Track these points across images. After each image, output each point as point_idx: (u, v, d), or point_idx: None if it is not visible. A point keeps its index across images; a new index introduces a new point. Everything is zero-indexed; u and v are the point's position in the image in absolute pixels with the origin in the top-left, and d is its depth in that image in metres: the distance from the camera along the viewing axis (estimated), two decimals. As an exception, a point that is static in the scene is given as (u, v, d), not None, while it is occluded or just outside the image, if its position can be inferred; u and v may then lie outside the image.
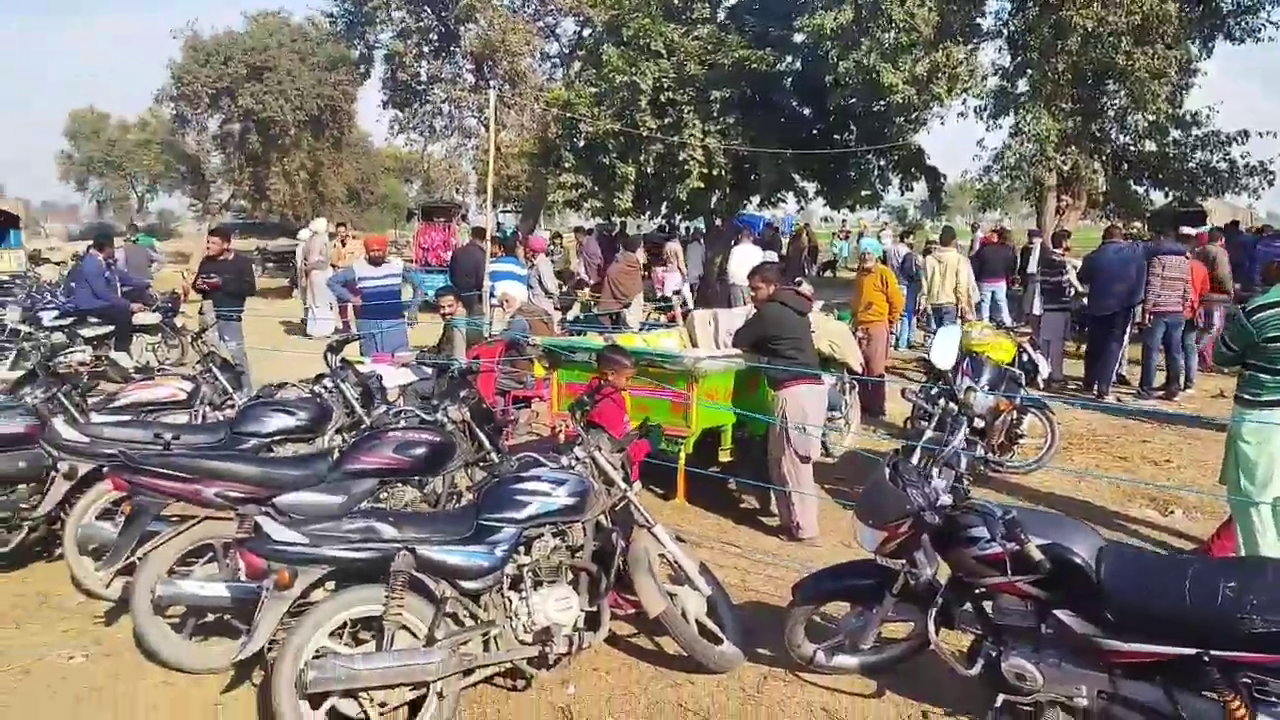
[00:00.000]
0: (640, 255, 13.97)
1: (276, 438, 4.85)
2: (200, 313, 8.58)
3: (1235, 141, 16.05)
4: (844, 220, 36.13)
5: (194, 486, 4.11)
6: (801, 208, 23.59)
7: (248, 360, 8.28)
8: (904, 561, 3.30)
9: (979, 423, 5.78)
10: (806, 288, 13.19)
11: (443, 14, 25.55)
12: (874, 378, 8.59)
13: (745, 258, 13.79)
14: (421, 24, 25.36)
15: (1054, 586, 2.98)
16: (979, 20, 16.23)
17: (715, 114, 17.18)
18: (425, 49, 26.16)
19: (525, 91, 24.24)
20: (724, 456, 5.79)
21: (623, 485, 4.01)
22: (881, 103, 14.75)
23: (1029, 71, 15.07)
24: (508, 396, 7.13)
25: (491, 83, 24.90)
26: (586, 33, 25.53)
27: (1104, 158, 16.26)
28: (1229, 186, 16.56)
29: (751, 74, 16.94)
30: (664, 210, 20.60)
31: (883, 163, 18.77)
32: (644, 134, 17.46)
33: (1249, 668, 2.67)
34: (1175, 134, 16.62)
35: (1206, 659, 2.70)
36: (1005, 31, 16.28)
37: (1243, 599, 2.65)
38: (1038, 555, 2.89)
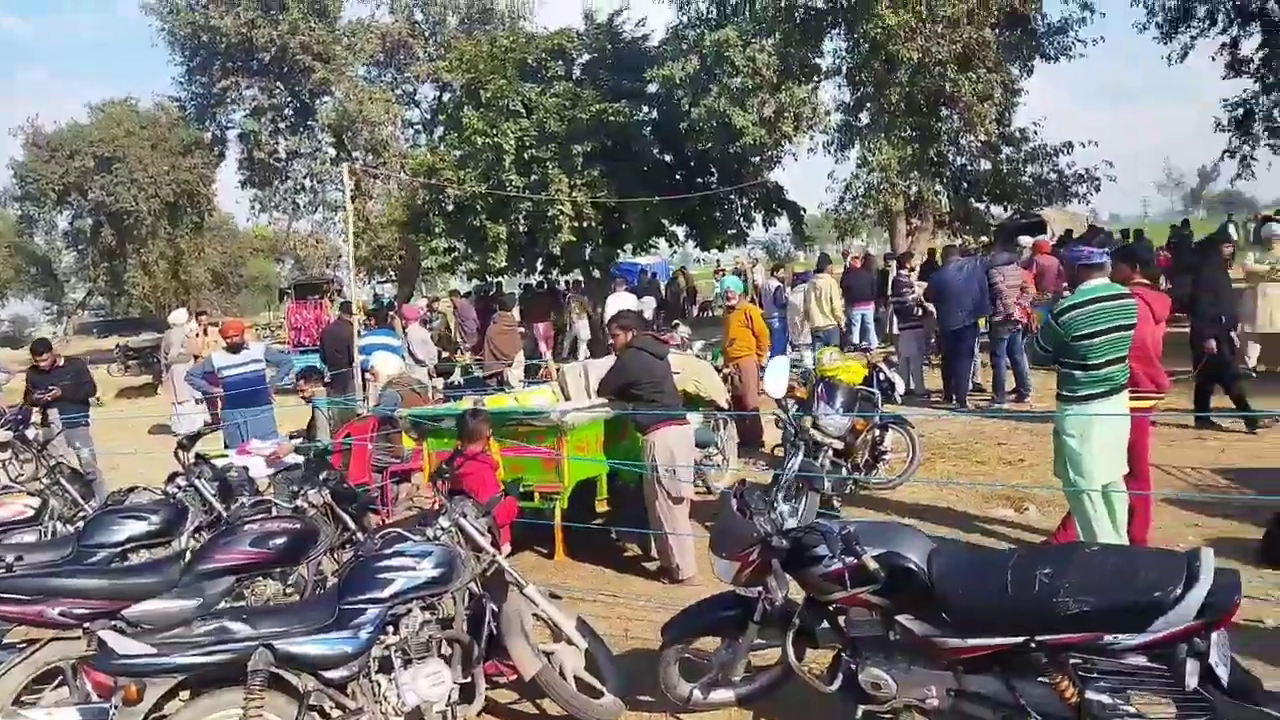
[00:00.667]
0: (516, 314, 14.04)
1: (127, 546, 4.62)
2: (44, 424, 8.14)
3: (1061, 153, 17.36)
4: (718, 260, 37.17)
5: (37, 608, 3.89)
6: (675, 251, 24.11)
7: (100, 467, 7.87)
8: (760, 588, 3.42)
9: (838, 444, 6.03)
10: (684, 329, 13.59)
11: (296, 89, 25.33)
12: (748, 411, 8.85)
13: (620, 305, 14.06)
14: (275, 100, 25.07)
15: (894, 594, 3.14)
16: (817, 60, 17.15)
17: (580, 168, 17.54)
18: (281, 125, 25.83)
19: (389, 160, 24.17)
20: (601, 507, 5.85)
21: (491, 550, 4.01)
22: (736, 145, 15.33)
23: (867, 105, 15.98)
24: (386, 472, 7.03)
25: (354, 154, 24.78)
26: (446, 97, 25.77)
27: (945, 180, 17.33)
28: (1060, 195, 17.85)
29: (610, 126, 17.40)
30: (539, 266, 20.76)
31: (745, 201, 19.49)
32: (511, 193, 17.66)
33: (1072, 648, 2.87)
34: (1007, 151, 17.85)
35: (1033, 645, 2.89)
36: (843, 69, 17.24)
37: (1056, 584, 2.86)
38: (873, 565, 3.04)
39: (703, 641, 3.92)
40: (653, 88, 18.05)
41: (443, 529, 3.88)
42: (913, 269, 11.63)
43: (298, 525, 4.26)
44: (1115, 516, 4.88)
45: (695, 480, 6.32)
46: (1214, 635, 2.76)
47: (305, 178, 26.67)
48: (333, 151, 25.48)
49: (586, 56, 19.76)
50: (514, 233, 18.27)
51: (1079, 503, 4.76)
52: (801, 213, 20.14)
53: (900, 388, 7.74)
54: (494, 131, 17.79)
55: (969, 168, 17.89)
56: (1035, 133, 17.64)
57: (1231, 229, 17.13)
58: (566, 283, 23.74)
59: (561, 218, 17.54)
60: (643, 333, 5.61)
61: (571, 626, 4.03)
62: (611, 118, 17.01)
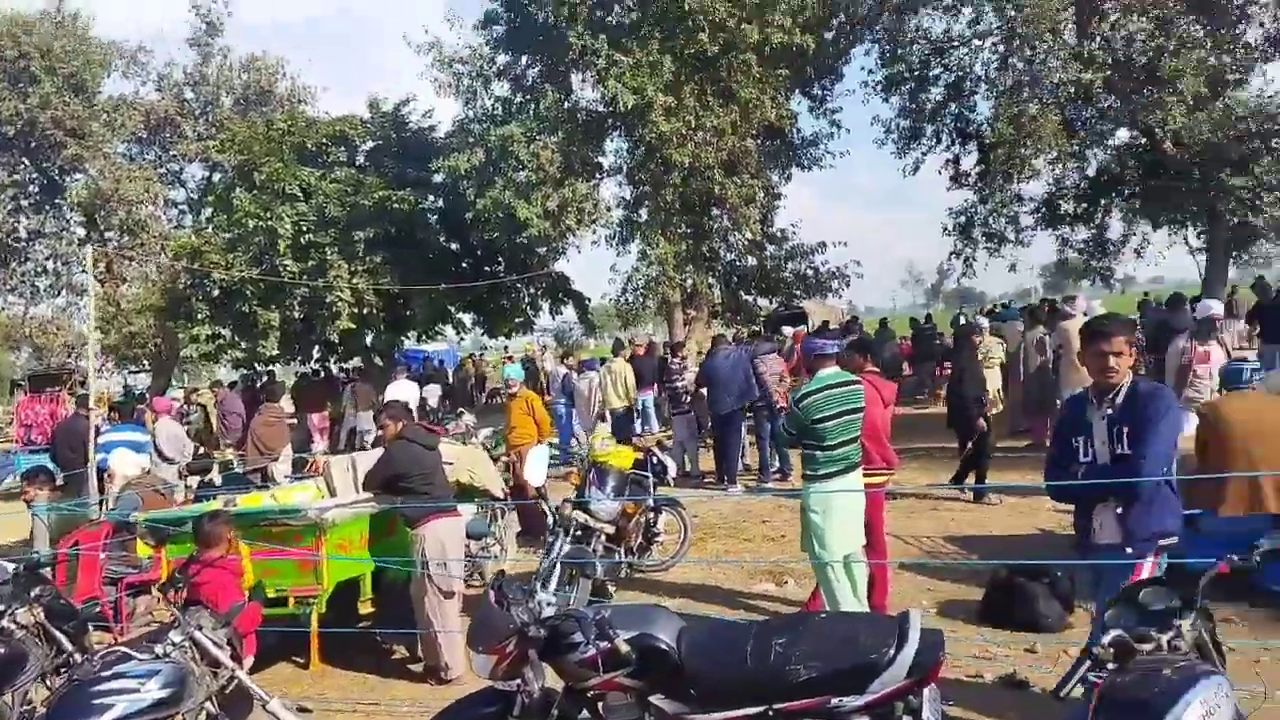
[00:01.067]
0: (287, 404, 13.28)
1: None
2: None
3: (816, 252, 19.14)
4: (506, 346, 37.20)
5: None
6: (462, 338, 23.96)
7: None
8: (519, 681, 3.37)
9: (609, 529, 6.14)
10: (468, 418, 13.39)
11: (44, 165, 23.18)
12: (528, 499, 8.81)
13: (400, 394, 13.69)
14: (17, 177, 22.80)
15: (647, 675, 3.20)
16: (599, 159, 18.03)
17: (361, 254, 17.14)
18: (24, 203, 23.47)
19: (148, 241, 22.46)
20: (365, 608, 5.56)
21: (230, 664, 3.70)
22: (521, 236, 15.64)
23: (645, 202, 16.91)
24: (120, 584, 6.33)
25: (108, 234, 22.85)
26: (216, 178, 24.48)
27: (717, 274, 18.57)
28: (817, 290, 19.57)
29: (395, 214, 17.21)
30: (316, 353, 19.86)
31: (532, 290, 19.81)
32: (286, 279, 16.92)
33: (803, 714, 3.04)
34: (771, 249, 19.45)
35: (770, 714, 3.04)
36: (623, 168, 18.18)
37: (789, 653, 3.03)
38: (625, 648, 3.10)
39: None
40: (439, 178, 18.14)
41: (174, 644, 3.54)
42: (684, 357, 12.22)
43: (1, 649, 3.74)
44: (855, 585, 5.27)
45: (470, 574, 6.18)
46: (925, 691, 3.03)
47: (48, 259, 24.18)
48: (82, 231, 23.34)
49: (370, 144, 19.58)
50: (288, 319, 17.45)
51: (823, 574, 5.11)
52: (587, 302, 20.73)
53: (673, 470, 8.02)
54: (268, 215, 17.08)
55: (738, 263, 19.30)
56: (794, 233, 19.45)
57: (963, 319, 19.43)
58: (345, 370, 22.86)
59: (340, 304, 16.99)
60: (412, 423, 5.50)
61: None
62: (396, 205, 16.85)
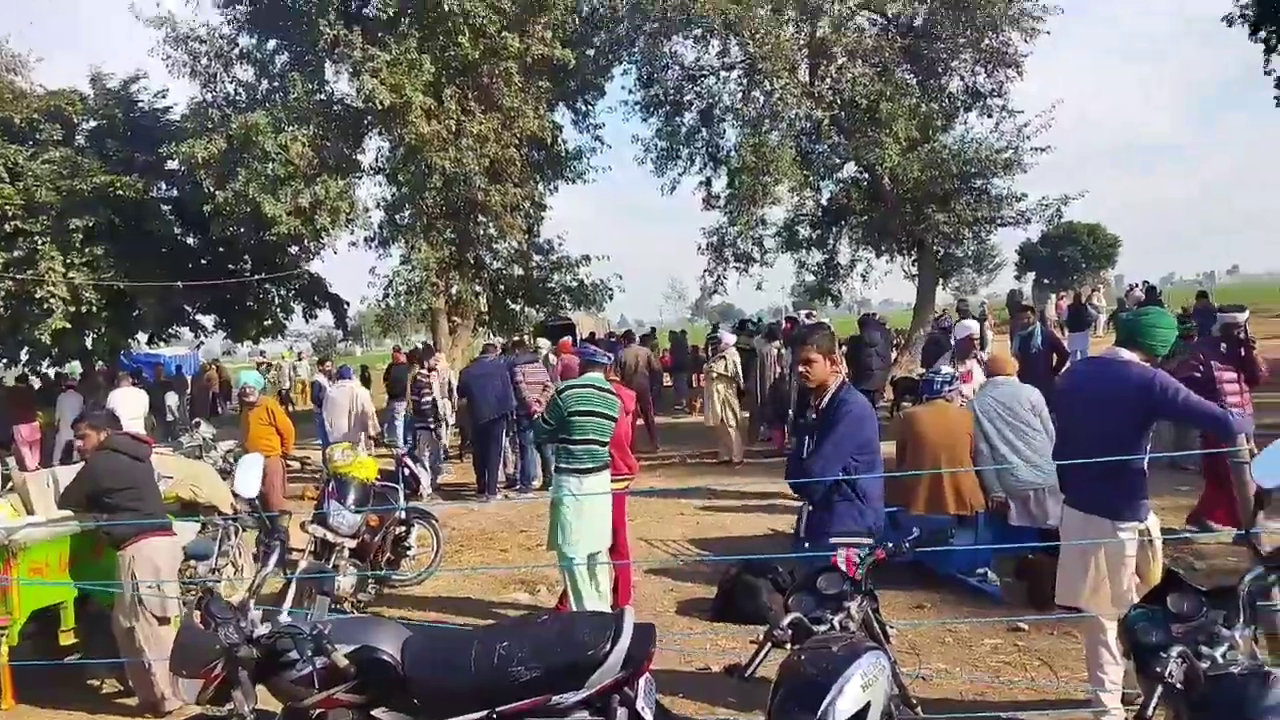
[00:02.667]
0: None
1: None
2: None
3: (580, 264, 19.53)
4: (263, 352, 34.72)
5: None
6: (201, 342, 22.04)
7: None
8: (230, 706, 3.20)
9: (350, 543, 5.94)
10: (206, 429, 12.37)
11: None
12: (270, 513, 8.31)
13: (126, 402, 12.44)
14: None
15: (369, 689, 3.15)
16: (357, 157, 17.31)
17: (78, 245, 15.36)
18: None
19: None
20: (66, 639, 5.01)
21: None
22: (269, 233, 14.69)
23: (407, 205, 16.46)
24: None
25: None
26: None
27: (483, 281, 18.43)
28: (582, 301, 19.99)
29: (119, 201, 15.59)
30: (25, 357, 17.53)
31: (283, 291, 18.64)
32: (-16, 270, 14.84)
33: (526, 714, 3.13)
34: (538, 259, 19.62)
35: (494, 717, 3.10)
36: (384, 168, 17.59)
37: (511, 654, 3.10)
38: (344, 662, 3.03)
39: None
40: (173, 165, 16.62)
41: None
42: (431, 368, 12.02)
43: None
44: (599, 586, 5.48)
45: (186, 596, 5.73)
46: (640, 683, 3.22)
47: None
48: None
49: (92, 123, 17.59)
50: (-12, 317, 15.30)
51: (570, 573, 5.27)
52: (345, 306, 19.83)
53: (426, 482, 7.89)
54: (-38, 196, 14.91)
55: (504, 272, 19.27)
56: (560, 244, 19.74)
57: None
58: (61, 376, 20.33)
59: (53, 300, 15.12)
60: (119, 433, 5.02)
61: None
62: (120, 191, 15.26)
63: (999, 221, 17.09)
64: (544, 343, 14.32)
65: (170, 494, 5.66)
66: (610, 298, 20.25)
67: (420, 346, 15.57)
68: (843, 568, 3.23)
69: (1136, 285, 29.81)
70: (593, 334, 24.38)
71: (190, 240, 17.88)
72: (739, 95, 17.19)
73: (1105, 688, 3.93)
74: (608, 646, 3.09)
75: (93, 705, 5.21)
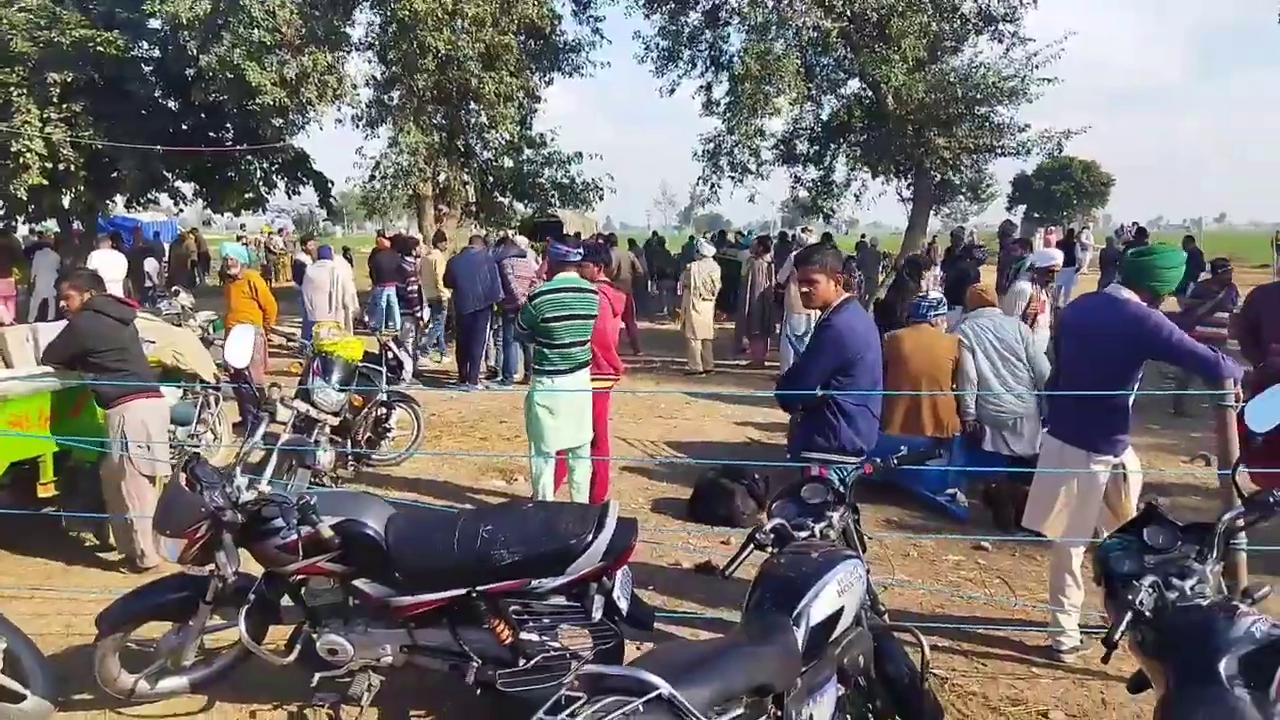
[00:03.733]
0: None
1: None
2: None
3: (572, 161, 19.14)
4: (243, 225, 34.09)
5: None
6: (180, 210, 21.57)
7: None
8: (212, 566, 3.26)
9: (333, 420, 5.96)
10: (185, 298, 12.21)
11: None
12: (248, 384, 8.30)
13: (105, 264, 12.17)
14: None
15: (351, 560, 3.22)
16: (348, 30, 16.62)
17: (56, 100, 14.78)
18: None
19: None
20: (45, 491, 5.03)
21: None
22: (253, 103, 14.19)
23: (398, 86, 15.91)
24: None
25: None
26: None
27: (472, 171, 18.03)
28: (572, 199, 19.66)
29: (100, 58, 14.93)
30: None
31: (265, 164, 18.14)
32: (-45, 119, 14.28)
33: (507, 595, 3.22)
34: (529, 153, 19.17)
35: (474, 595, 3.18)
36: (376, 45, 16.93)
37: (494, 538, 3.17)
38: (328, 533, 3.09)
39: (153, 629, 3.61)
40: (155, 24, 15.88)
41: None
42: (417, 255, 11.88)
43: None
44: (577, 480, 5.57)
45: (179, 462, 5.76)
46: (618, 574, 3.30)
47: None
48: None
49: (73, -28, 16.69)
50: (-41, 169, 14.80)
51: (536, 464, 5.35)
52: (329, 185, 19.37)
53: (409, 367, 7.88)
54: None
55: (494, 163, 18.82)
56: (553, 139, 19.24)
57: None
58: (37, 234, 19.91)
59: (29, 155, 14.64)
60: (103, 294, 4.94)
61: (-18, 628, 3.43)
62: (100, 48, 14.60)
63: (999, 150, 16.82)
64: (522, 240, 14.05)
65: (153, 358, 5.61)
66: (601, 198, 19.94)
67: (403, 233, 15.30)
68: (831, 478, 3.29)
69: (1127, 226, 29.82)
70: (578, 234, 24.09)
71: (172, 104, 17.21)
72: (746, -2, 16.53)
73: (1064, 609, 4.09)
74: (590, 537, 3.16)
75: (70, 556, 5.29)
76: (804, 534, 2.95)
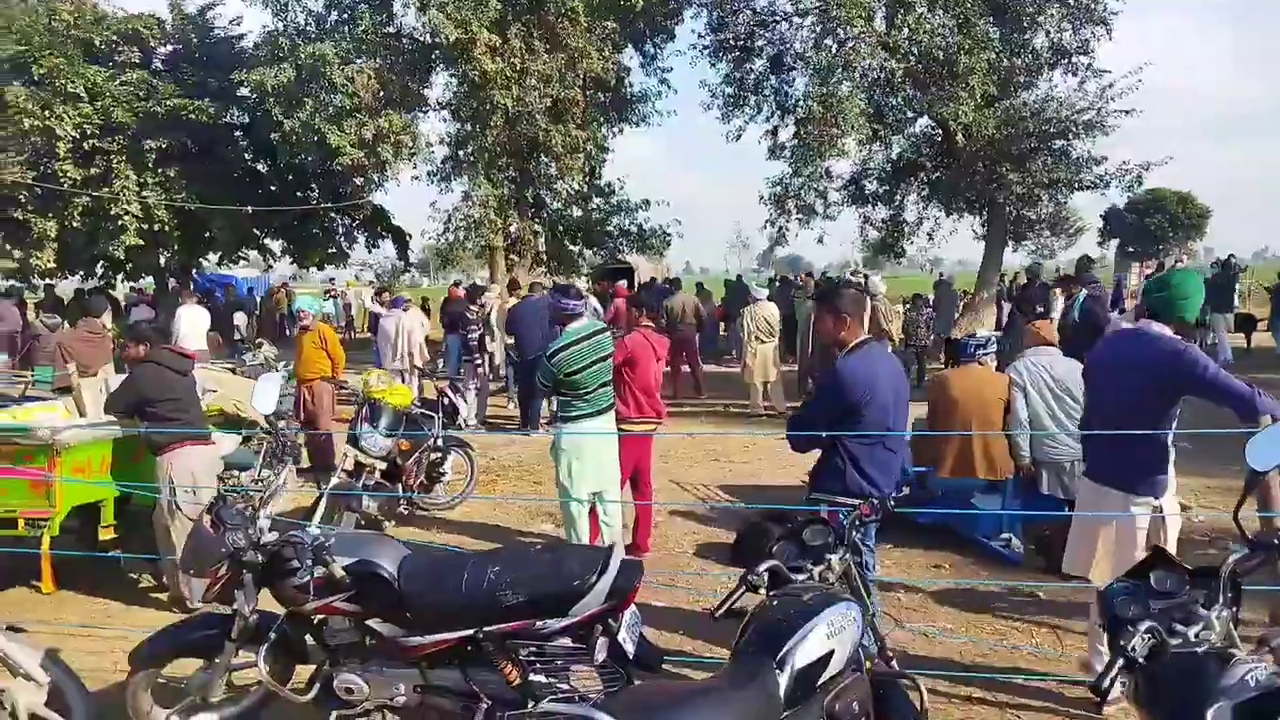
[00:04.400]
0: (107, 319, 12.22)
1: None
2: None
3: (640, 208, 19.45)
4: (332, 280, 35.54)
5: None
6: (270, 266, 22.68)
7: None
8: (234, 606, 3.40)
9: (380, 464, 6.14)
10: (269, 349, 12.84)
11: None
12: (319, 432, 8.64)
13: (189, 318, 12.94)
14: None
15: (365, 599, 3.31)
16: (424, 91, 17.38)
17: (152, 165, 15.86)
18: None
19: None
20: (106, 534, 5.33)
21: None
22: (334, 163, 14.95)
23: (470, 142, 16.52)
24: None
25: None
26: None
27: (542, 221, 18.49)
28: (640, 246, 19.94)
29: (192, 125, 16.00)
30: (100, 270, 18.30)
31: (348, 221, 19.00)
32: (66, 186, 15.42)
33: (514, 636, 3.25)
34: (598, 201, 19.58)
35: (481, 636, 3.22)
36: (450, 104, 17.63)
37: (501, 579, 3.22)
38: (340, 573, 3.18)
39: (187, 666, 3.77)
40: (244, 92, 16.94)
41: None
42: (482, 305, 12.19)
43: None
44: (610, 522, 5.60)
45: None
46: (625, 615, 3.30)
47: None
48: None
49: (169, 47, 17.98)
50: (67, 230, 15.94)
51: (566, 510, 5.39)
52: (408, 238, 20.14)
53: (465, 412, 8.08)
54: (46, 114, 15.42)
55: (564, 212, 19.28)
56: (621, 187, 19.62)
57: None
58: (136, 290, 21.23)
59: (127, 218, 15.70)
60: (161, 346, 5.25)
61: (33, 662, 3.63)
62: (193, 115, 15.64)
63: (1077, 185, 16.38)
64: (581, 284, 14.31)
65: (214, 407, 5.91)
66: (668, 244, 20.18)
67: (475, 283, 15.78)
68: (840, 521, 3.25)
69: (1217, 259, 28.47)
70: (653, 279, 24.34)
71: (260, 167, 18.29)
72: (810, 43, 16.66)
73: (1103, 657, 3.89)
74: (593, 579, 3.17)
75: (128, 596, 5.57)
76: (802, 576, 2.91)
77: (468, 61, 14.20)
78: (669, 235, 19.87)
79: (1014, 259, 21.16)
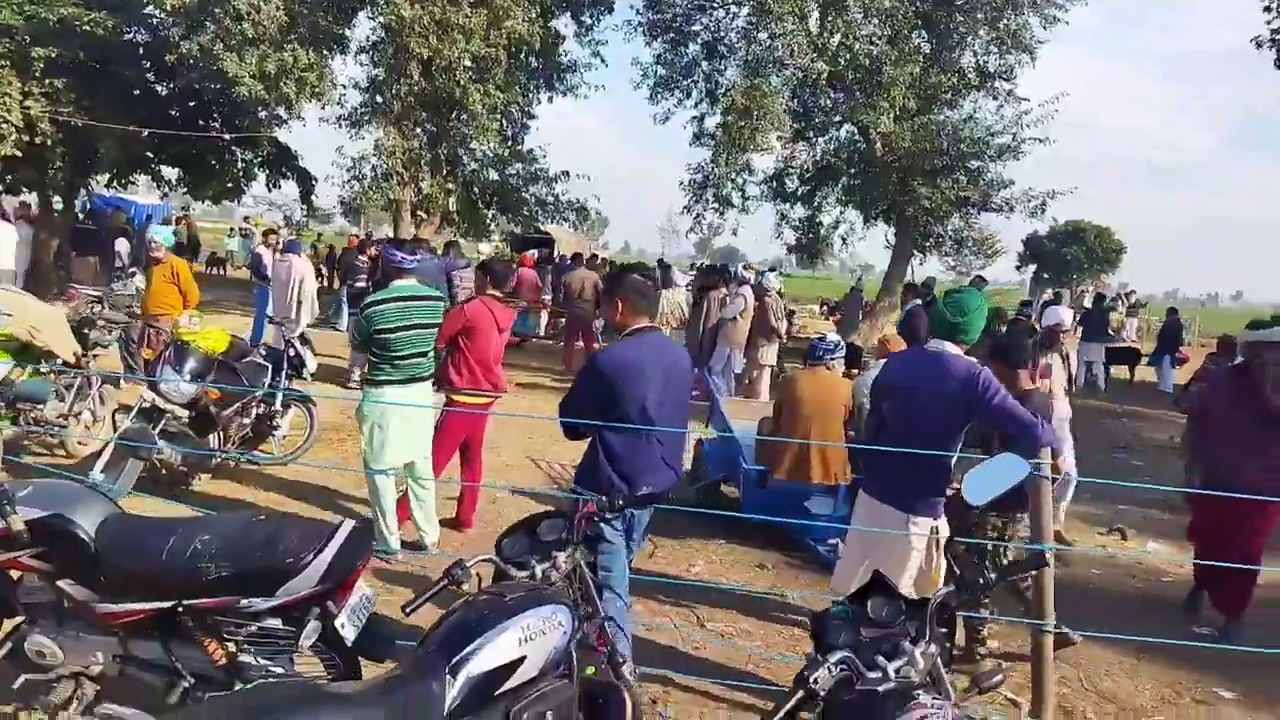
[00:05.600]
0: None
1: None
2: None
3: (558, 179, 19.05)
4: (246, 218, 34.21)
5: None
6: (165, 194, 21.52)
7: None
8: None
9: (180, 411, 5.72)
10: (140, 279, 12.07)
11: None
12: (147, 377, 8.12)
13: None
14: None
15: (57, 558, 2.99)
16: (346, 32, 16.59)
17: (38, 74, 14.76)
18: None
19: None
20: None
21: None
22: (232, 93, 14.15)
23: (383, 89, 15.89)
24: None
25: None
26: None
27: (455, 181, 17.94)
28: (554, 217, 19.56)
29: (88, 38, 14.92)
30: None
31: (249, 156, 18.11)
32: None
33: (215, 611, 2.97)
34: (518, 167, 19.10)
35: (180, 609, 2.94)
36: (363, 47, 16.89)
37: (207, 550, 2.93)
38: (19, 526, 2.87)
39: None
40: (151, 10, 15.91)
41: None
42: (374, 258, 11.75)
43: None
44: (422, 499, 5.34)
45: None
46: (350, 598, 3.06)
47: None
48: None
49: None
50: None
51: (371, 483, 5.11)
52: (313, 181, 19.30)
53: (311, 365, 7.65)
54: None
55: (479, 174, 18.74)
56: (544, 155, 19.16)
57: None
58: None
59: (5, 126, 14.60)
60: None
61: None
62: (88, 28, 14.60)
63: (984, 206, 16.66)
64: (484, 248, 13.91)
65: (5, 331, 5.43)
66: (585, 218, 19.84)
67: (370, 234, 15.23)
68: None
69: (1121, 294, 29.54)
70: (577, 254, 23.96)
71: (160, 89, 17.22)
72: (742, 34, 16.50)
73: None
74: (308, 557, 2.92)
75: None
76: (523, 573, 2.71)
77: (386, 4, 13.57)
78: (586, 209, 19.52)
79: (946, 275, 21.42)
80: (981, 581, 2.35)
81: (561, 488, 7.50)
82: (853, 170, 17.88)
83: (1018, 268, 60.46)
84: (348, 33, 16.62)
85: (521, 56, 16.92)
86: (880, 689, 2.13)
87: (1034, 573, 3.51)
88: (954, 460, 3.68)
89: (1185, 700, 4.53)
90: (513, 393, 12.01)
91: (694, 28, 17.77)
